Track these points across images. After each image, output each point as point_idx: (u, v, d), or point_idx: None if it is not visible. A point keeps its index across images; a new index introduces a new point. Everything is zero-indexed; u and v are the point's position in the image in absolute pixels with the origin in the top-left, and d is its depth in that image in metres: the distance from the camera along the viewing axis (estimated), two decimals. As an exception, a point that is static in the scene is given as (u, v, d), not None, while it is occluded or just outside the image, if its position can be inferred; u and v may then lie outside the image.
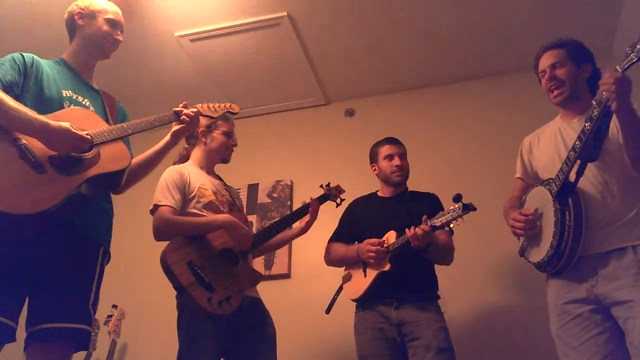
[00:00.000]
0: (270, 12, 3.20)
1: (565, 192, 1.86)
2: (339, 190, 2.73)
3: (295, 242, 3.54)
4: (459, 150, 3.55)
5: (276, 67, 3.64)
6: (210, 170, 2.49)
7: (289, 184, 3.78)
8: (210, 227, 2.18)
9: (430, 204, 2.56)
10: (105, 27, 2.03)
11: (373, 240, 2.43)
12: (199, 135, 2.46)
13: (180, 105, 2.07)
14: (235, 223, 2.18)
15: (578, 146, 1.80)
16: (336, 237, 2.71)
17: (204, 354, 2.08)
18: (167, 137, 2.05)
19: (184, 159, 2.51)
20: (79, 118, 1.80)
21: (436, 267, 2.56)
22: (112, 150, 1.79)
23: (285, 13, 3.19)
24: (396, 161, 2.60)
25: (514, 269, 3.10)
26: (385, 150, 2.66)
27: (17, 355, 2.10)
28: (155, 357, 3.18)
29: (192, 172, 2.36)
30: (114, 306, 3.27)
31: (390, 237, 2.40)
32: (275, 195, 3.76)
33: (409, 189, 2.68)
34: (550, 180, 1.93)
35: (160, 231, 2.15)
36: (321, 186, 2.71)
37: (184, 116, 2.02)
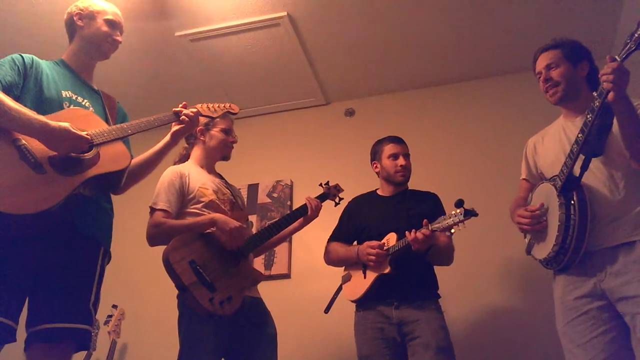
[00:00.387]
0: (270, 12, 3.20)
1: (570, 186, 1.85)
2: (337, 189, 2.72)
3: (295, 242, 3.56)
4: (460, 151, 3.55)
5: (276, 67, 3.64)
6: (211, 169, 2.48)
7: (289, 184, 3.78)
8: (200, 226, 2.18)
9: (430, 204, 2.56)
10: (104, 28, 2.03)
11: (373, 243, 2.42)
12: (198, 134, 2.46)
13: (180, 105, 2.07)
14: (225, 219, 2.17)
15: (581, 139, 1.80)
16: (335, 237, 2.71)
17: (205, 354, 2.07)
18: (167, 138, 2.05)
19: (184, 158, 2.51)
20: (78, 118, 1.80)
21: (439, 267, 2.55)
22: (111, 150, 1.79)
23: (285, 13, 3.19)
24: (401, 161, 2.59)
25: (517, 270, 3.09)
26: (389, 148, 2.64)
27: (17, 355, 2.10)
28: (155, 357, 3.18)
29: (193, 171, 2.36)
30: (114, 306, 3.27)
31: (391, 239, 2.40)
32: (275, 195, 3.76)
33: (409, 188, 2.68)
34: (555, 176, 1.92)
35: (152, 237, 2.19)
36: (320, 185, 2.71)
37: (183, 116, 2.02)
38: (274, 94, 3.91)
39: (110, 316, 3.22)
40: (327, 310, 2.65)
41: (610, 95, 1.68)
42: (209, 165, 2.47)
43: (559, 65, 2.07)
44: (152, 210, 2.23)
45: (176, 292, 2.14)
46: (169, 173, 2.31)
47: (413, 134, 3.39)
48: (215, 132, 2.46)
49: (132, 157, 2.03)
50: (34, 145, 1.64)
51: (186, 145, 2.54)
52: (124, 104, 2.19)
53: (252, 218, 3.65)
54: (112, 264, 1.99)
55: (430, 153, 3.54)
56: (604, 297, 1.83)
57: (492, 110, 3.64)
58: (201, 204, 2.27)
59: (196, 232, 2.18)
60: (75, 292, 1.75)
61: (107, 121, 1.96)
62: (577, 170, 1.85)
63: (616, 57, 1.67)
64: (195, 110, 2.08)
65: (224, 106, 2.25)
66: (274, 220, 2.52)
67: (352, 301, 2.54)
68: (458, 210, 2.14)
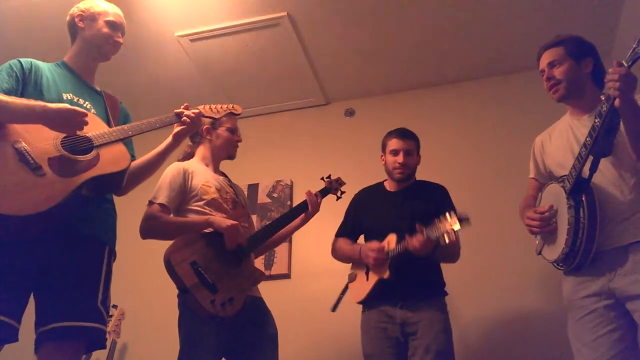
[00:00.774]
0: (270, 12, 3.20)
1: (579, 188, 1.85)
2: (339, 182, 2.70)
3: (295, 242, 3.56)
4: (460, 150, 3.55)
5: (276, 67, 3.64)
6: (216, 168, 2.48)
7: (289, 184, 3.78)
8: (195, 226, 2.18)
9: (437, 199, 2.51)
10: (105, 30, 2.03)
11: (374, 245, 2.41)
12: (204, 133, 2.46)
13: (182, 106, 2.06)
14: (221, 220, 2.16)
15: (589, 142, 1.79)
16: (342, 232, 2.69)
17: (205, 354, 2.07)
18: (169, 139, 2.05)
19: (188, 156, 2.50)
20: None
21: (447, 266, 2.52)
22: (111, 152, 1.79)
23: (285, 13, 3.19)
24: (399, 158, 2.54)
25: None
26: (392, 144, 2.60)
27: (17, 356, 2.10)
28: (155, 357, 3.18)
29: (197, 169, 2.36)
30: (114, 306, 3.27)
31: (391, 241, 2.38)
32: (275, 195, 3.76)
33: (417, 179, 2.64)
34: (564, 178, 1.92)
35: (146, 230, 2.18)
36: (322, 178, 2.68)
37: (185, 117, 2.02)
38: (274, 94, 3.91)
39: (110, 316, 3.22)
40: (334, 308, 2.63)
41: (617, 102, 1.67)
42: (214, 164, 2.47)
43: (561, 63, 2.06)
44: (150, 203, 2.22)
45: (176, 291, 2.14)
46: (172, 169, 2.31)
47: (413, 134, 3.40)
48: (222, 131, 2.46)
49: (134, 159, 2.04)
50: (33, 147, 1.65)
51: (190, 143, 2.53)
52: (123, 104, 2.18)
53: (252, 218, 3.64)
54: (113, 263, 1.99)
55: (431, 153, 3.53)
56: (612, 296, 1.82)
57: (492, 111, 3.65)
58: (203, 202, 2.27)
59: (190, 231, 2.17)
60: (81, 291, 1.75)
61: (108, 122, 1.96)
62: (586, 172, 1.85)
63: (623, 62, 1.66)
64: (197, 111, 2.08)
65: (227, 107, 2.25)
66: (275, 218, 2.52)
67: (357, 303, 2.53)
68: (450, 215, 2.13)
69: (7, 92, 1.77)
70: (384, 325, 2.38)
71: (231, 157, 2.53)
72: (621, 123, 1.79)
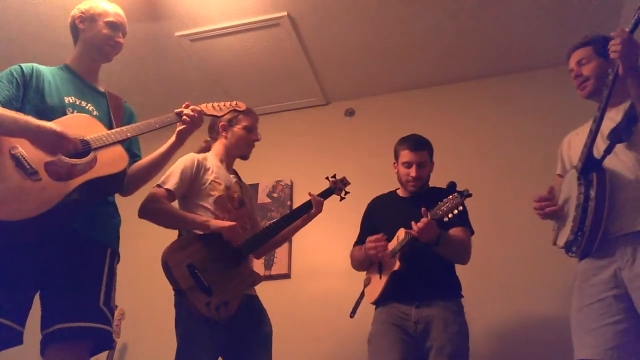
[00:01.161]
0: (270, 12, 3.20)
1: (590, 167, 1.84)
2: (344, 182, 2.67)
3: (295, 242, 3.56)
4: (461, 150, 3.54)
5: (276, 67, 3.64)
6: (229, 165, 2.46)
7: (289, 184, 3.78)
8: (192, 224, 2.17)
9: None
10: (105, 30, 2.02)
11: (371, 237, 2.41)
12: (220, 129, 2.44)
13: (183, 106, 2.06)
14: (217, 222, 2.16)
15: (598, 117, 1.81)
16: (358, 241, 2.68)
17: (201, 353, 2.07)
18: (173, 138, 2.04)
19: (203, 150, 2.48)
20: (79, 124, 1.81)
21: (463, 269, 2.51)
22: (109, 154, 1.79)
23: (285, 13, 3.19)
24: (412, 172, 2.50)
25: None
26: (404, 155, 2.54)
27: (19, 357, 2.10)
28: (155, 357, 3.18)
29: (211, 163, 2.35)
30: (115, 306, 3.27)
31: (400, 234, 2.38)
32: (275, 195, 3.76)
33: (429, 185, 2.63)
34: (578, 161, 1.92)
35: (146, 210, 2.16)
36: (327, 178, 2.66)
37: (185, 116, 2.01)
38: (274, 94, 3.91)
39: (111, 317, 3.22)
40: (352, 314, 2.62)
41: (620, 69, 1.67)
42: (227, 161, 2.45)
43: (589, 61, 2.09)
44: (160, 188, 2.21)
45: (176, 291, 2.14)
46: (186, 158, 2.30)
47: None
48: (238, 129, 2.43)
49: (140, 159, 2.04)
50: (30, 152, 1.65)
51: (208, 138, 2.52)
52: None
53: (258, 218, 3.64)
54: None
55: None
56: (622, 285, 1.80)
57: (492, 111, 3.65)
58: (211, 199, 2.26)
59: (185, 226, 2.18)
60: (82, 292, 1.75)
61: (110, 123, 1.96)
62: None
63: (625, 28, 1.67)
64: (198, 109, 2.07)
65: (230, 104, 2.23)
66: (275, 219, 2.50)
67: (372, 303, 2.51)
68: (453, 195, 2.15)
69: (8, 100, 1.78)
70: (397, 320, 2.35)
71: (244, 157, 2.49)
72: None
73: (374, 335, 2.41)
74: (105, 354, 3.10)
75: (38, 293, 1.76)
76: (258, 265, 3.50)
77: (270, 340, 2.30)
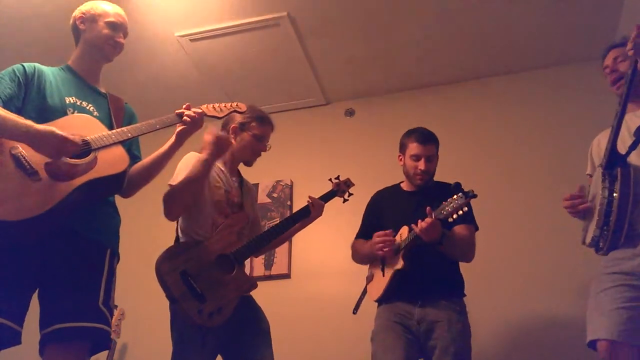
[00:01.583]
0: (270, 12, 3.20)
1: (614, 163, 1.85)
2: (347, 184, 2.65)
3: (295, 242, 3.55)
4: (461, 150, 3.54)
5: (276, 67, 3.64)
6: (232, 167, 2.43)
7: (289, 184, 3.78)
8: (195, 174, 2.10)
9: None
10: (106, 31, 2.02)
11: (380, 233, 2.40)
12: (230, 131, 2.41)
13: (184, 106, 2.06)
14: (204, 155, 2.13)
15: (619, 111, 1.81)
16: (359, 234, 2.66)
17: (197, 355, 2.07)
18: (172, 139, 2.03)
19: None
20: (79, 125, 1.81)
21: (467, 268, 2.50)
22: (110, 154, 1.79)
23: (285, 13, 3.19)
24: (421, 165, 2.48)
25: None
26: (413, 148, 2.52)
27: (22, 359, 2.10)
28: (155, 357, 3.17)
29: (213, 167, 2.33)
30: (114, 306, 3.27)
31: (404, 233, 2.36)
32: (275, 195, 3.77)
33: (434, 180, 2.61)
34: (602, 159, 1.92)
35: (168, 210, 2.13)
36: (330, 180, 2.64)
37: (185, 117, 2.01)
38: (274, 94, 3.91)
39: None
40: (355, 311, 2.61)
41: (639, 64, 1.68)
42: (231, 164, 2.42)
43: (626, 59, 2.08)
44: (170, 187, 2.17)
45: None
46: (191, 157, 2.26)
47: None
48: (247, 135, 2.40)
49: (140, 160, 2.03)
50: (30, 152, 1.65)
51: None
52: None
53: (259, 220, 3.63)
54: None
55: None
56: None
57: (492, 110, 3.65)
58: (211, 203, 2.24)
59: (195, 181, 2.10)
60: (81, 292, 1.75)
61: (111, 124, 1.95)
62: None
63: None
64: (199, 111, 2.06)
65: (230, 105, 2.22)
66: (274, 223, 2.48)
67: (375, 301, 2.50)
68: (458, 195, 2.14)
69: (9, 98, 1.78)
70: (400, 319, 2.34)
71: (247, 164, 2.47)
72: None
73: (377, 332, 2.40)
74: (105, 353, 3.10)
75: (36, 293, 1.76)
76: (258, 265, 3.50)
77: (269, 336, 2.29)
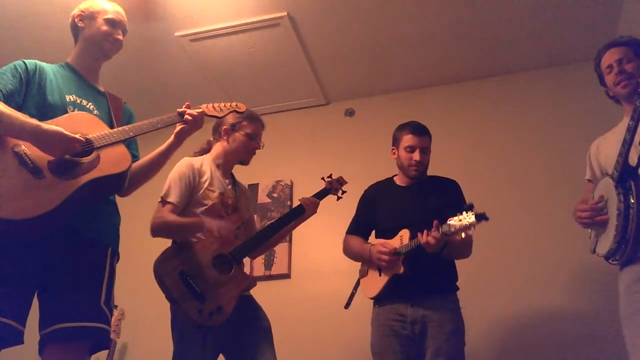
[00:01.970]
0: (270, 12, 3.20)
1: (627, 175, 1.84)
2: (340, 182, 2.66)
3: (295, 242, 3.56)
4: (461, 150, 3.54)
5: (276, 67, 3.64)
6: (226, 170, 2.45)
7: (289, 184, 3.78)
8: (191, 227, 2.20)
9: (449, 193, 2.50)
10: (104, 28, 2.02)
11: (383, 249, 2.37)
12: (222, 133, 2.43)
13: (184, 105, 2.06)
14: (211, 223, 2.17)
15: (632, 125, 1.80)
16: (352, 229, 2.66)
17: (197, 358, 2.08)
18: (171, 138, 2.04)
19: (204, 151, 2.48)
20: (80, 123, 1.81)
21: (463, 267, 2.50)
22: (112, 153, 1.79)
23: (285, 13, 3.19)
24: (416, 155, 2.50)
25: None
26: (407, 140, 2.53)
27: (22, 358, 2.10)
28: (155, 357, 3.17)
29: (206, 169, 2.34)
30: (114, 306, 3.27)
31: (404, 236, 2.36)
32: (275, 195, 3.77)
33: (428, 175, 2.61)
34: (613, 170, 1.92)
35: (157, 229, 2.20)
36: (322, 178, 2.65)
37: (187, 116, 2.01)
38: (274, 94, 3.91)
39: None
40: (347, 305, 2.62)
41: None
42: (224, 166, 2.43)
43: (631, 61, 2.08)
44: (163, 202, 2.23)
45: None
46: (182, 165, 2.30)
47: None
48: (240, 134, 2.41)
49: (138, 159, 2.04)
50: (33, 151, 1.65)
51: (211, 138, 2.51)
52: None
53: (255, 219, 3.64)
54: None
55: (432, 153, 3.54)
56: None
57: (492, 111, 3.65)
58: (204, 208, 2.27)
59: (189, 232, 2.20)
60: (84, 291, 1.75)
61: (111, 123, 1.96)
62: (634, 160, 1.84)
63: None
64: (200, 110, 2.07)
65: (230, 105, 2.22)
66: (269, 223, 2.48)
67: (370, 298, 2.51)
68: (468, 213, 2.10)
69: (11, 94, 1.78)
70: (394, 323, 2.35)
71: (243, 162, 2.49)
72: None
73: (376, 351, 2.40)
74: (105, 353, 3.11)
75: (36, 292, 1.76)
76: (258, 265, 3.50)
77: (270, 334, 2.30)
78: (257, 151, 2.42)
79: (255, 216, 3.63)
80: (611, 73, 2.12)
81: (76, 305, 1.71)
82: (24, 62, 1.88)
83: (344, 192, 2.66)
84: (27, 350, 1.79)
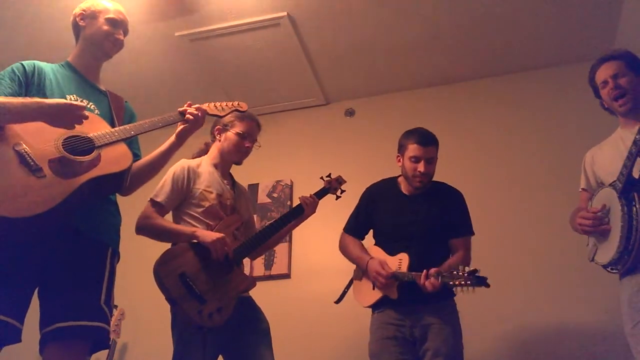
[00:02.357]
0: (270, 12, 3.20)
1: (630, 187, 1.87)
2: (339, 181, 2.65)
3: (295, 242, 3.56)
4: (461, 150, 3.54)
5: (276, 67, 3.64)
6: (224, 170, 2.44)
7: (289, 184, 3.78)
8: (181, 236, 2.19)
9: (452, 206, 2.48)
10: (105, 27, 2.01)
11: (383, 268, 2.34)
12: (215, 133, 2.43)
13: (185, 105, 2.06)
14: (205, 233, 2.16)
15: (638, 139, 1.82)
16: (350, 228, 2.63)
17: (197, 356, 2.08)
18: (172, 138, 2.03)
19: (202, 153, 2.49)
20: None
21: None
22: (113, 152, 1.79)
23: (285, 13, 3.19)
24: (421, 167, 2.42)
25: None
26: (413, 150, 2.45)
27: (22, 357, 2.10)
28: (155, 357, 3.18)
29: (203, 171, 2.34)
30: (114, 306, 3.27)
31: (403, 262, 2.33)
32: (275, 195, 3.76)
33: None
34: (615, 181, 1.94)
35: (141, 227, 2.22)
36: (321, 178, 2.64)
37: (188, 115, 2.01)
38: (274, 94, 3.91)
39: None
40: (338, 301, 2.59)
41: None
42: (222, 166, 2.43)
43: (624, 75, 2.10)
44: (152, 201, 2.25)
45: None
46: (176, 167, 2.31)
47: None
48: (231, 134, 2.41)
49: (139, 158, 2.03)
50: (34, 149, 1.65)
51: (209, 140, 2.51)
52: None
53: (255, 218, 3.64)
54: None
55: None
56: None
57: (492, 111, 3.65)
58: (202, 209, 2.27)
59: (175, 240, 2.20)
60: (84, 290, 1.75)
61: (112, 122, 1.95)
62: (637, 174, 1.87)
63: None
64: (201, 109, 2.06)
65: (232, 104, 2.22)
66: (268, 223, 2.48)
67: (365, 307, 2.50)
68: (470, 274, 2.07)
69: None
70: (392, 327, 2.35)
71: (236, 163, 2.48)
72: None
73: (373, 354, 2.39)
74: (105, 353, 3.11)
75: (36, 292, 1.75)
76: (258, 265, 3.50)
77: (269, 336, 2.30)
78: (257, 151, 2.42)
79: (255, 216, 3.65)
80: (606, 87, 2.14)
81: (76, 305, 1.71)
82: (22, 65, 1.88)
83: (343, 191, 2.65)
84: (27, 349, 1.79)
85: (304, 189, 3.33)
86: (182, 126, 2.02)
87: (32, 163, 1.62)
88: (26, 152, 1.63)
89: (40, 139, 1.69)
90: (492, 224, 3.15)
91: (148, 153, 2.06)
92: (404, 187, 2.58)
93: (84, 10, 2.04)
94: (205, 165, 2.38)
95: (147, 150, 2.09)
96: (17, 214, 1.54)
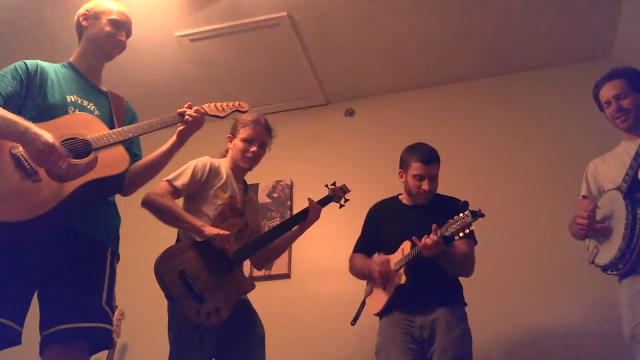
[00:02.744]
0: (270, 12, 3.20)
1: (635, 189, 1.92)
2: (344, 190, 2.66)
3: (295, 242, 3.53)
4: (460, 150, 3.54)
5: (276, 67, 3.64)
6: (238, 175, 2.45)
7: (289, 184, 3.78)
8: (186, 225, 2.19)
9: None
10: (108, 28, 2.01)
11: (379, 259, 2.38)
12: (227, 140, 2.45)
13: (185, 106, 2.05)
14: (211, 229, 2.16)
15: None
16: (358, 248, 2.66)
17: (193, 358, 2.08)
18: (173, 138, 2.03)
19: (223, 156, 2.51)
20: (80, 123, 1.80)
21: (472, 278, 2.48)
22: (110, 154, 1.78)
23: (285, 13, 3.19)
24: (425, 185, 2.44)
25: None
26: (416, 168, 2.46)
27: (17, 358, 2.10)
28: (155, 357, 3.17)
29: (222, 171, 2.37)
30: (115, 306, 3.27)
31: (406, 247, 2.35)
32: (275, 195, 3.76)
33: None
34: (622, 183, 1.99)
35: (150, 203, 2.18)
36: (326, 186, 2.65)
37: (187, 116, 2.01)
38: (274, 94, 3.91)
39: (111, 316, 3.22)
40: (353, 322, 2.62)
41: None
42: (235, 172, 2.44)
43: (627, 95, 2.18)
44: (169, 183, 2.24)
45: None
46: (200, 160, 2.33)
47: (413, 134, 3.37)
48: (237, 141, 2.42)
49: (140, 158, 2.03)
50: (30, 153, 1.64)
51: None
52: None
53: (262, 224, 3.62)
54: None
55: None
56: None
57: (492, 111, 3.65)
58: (213, 206, 2.28)
59: (180, 226, 2.21)
60: (85, 292, 1.75)
61: (111, 123, 1.95)
62: None
63: None
64: (200, 110, 2.05)
65: (233, 105, 2.22)
66: (272, 226, 2.48)
67: (375, 314, 2.49)
68: (464, 213, 2.10)
69: (11, 96, 1.77)
70: (403, 328, 2.34)
71: (246, 168, 2.47)
72: None
73: (381, 348, 2.40)
74: (105, 353, 3.11)
75: (36, 294, 1.75)
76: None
77: (263, 342, 2.31)
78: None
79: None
80: (610, 108, 2.22)
81: (77, 306, 1.71)
82: (25, 63, 1.88)
83: (346, 200, 2.66)
84: (27, 351, 1.79)
85: (304, 189, 3.34)
86: (182, 126, 2.02)
87: (27, 166, 1.62)
88: (22, 155, 1.63)
89: None
90: (491, 224, 3.13)
91: (149, 152, 2.06)
92: (405, 200, 2.61)
93: (87, 11, 2.04)
94: (223, 167, 2.40)
95: (148, 149, 2.09)
96: (12, 217, 1.54)
